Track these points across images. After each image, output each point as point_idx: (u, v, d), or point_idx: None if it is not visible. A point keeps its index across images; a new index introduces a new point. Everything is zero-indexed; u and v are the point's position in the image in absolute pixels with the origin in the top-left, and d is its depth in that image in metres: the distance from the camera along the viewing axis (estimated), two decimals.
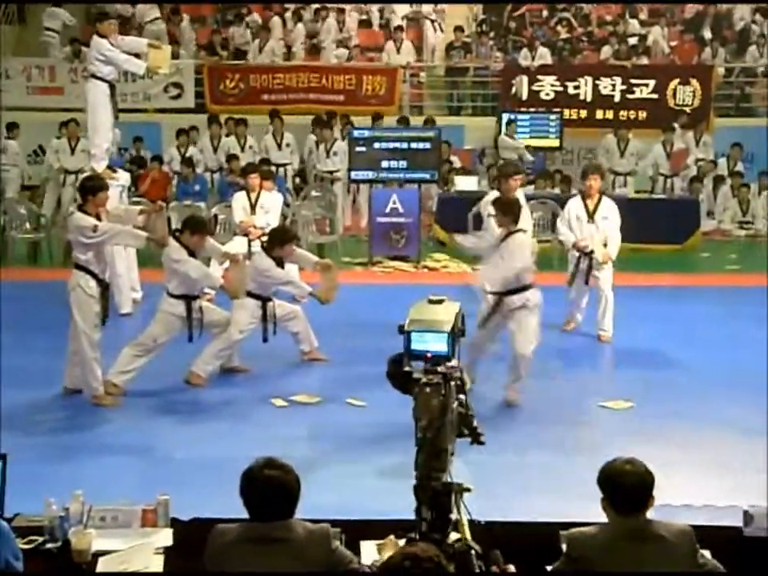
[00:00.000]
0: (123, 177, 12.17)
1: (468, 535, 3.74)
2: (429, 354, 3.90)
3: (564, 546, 4.20)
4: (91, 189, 8.79)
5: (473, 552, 3.62)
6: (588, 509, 4.55)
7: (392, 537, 4.37)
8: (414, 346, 3.89)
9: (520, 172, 11.07)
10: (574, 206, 11.04)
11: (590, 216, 10.92)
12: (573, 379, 9.77)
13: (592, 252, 10.82)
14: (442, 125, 17.61)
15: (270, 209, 13.04)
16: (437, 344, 3.90)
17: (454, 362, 3.92)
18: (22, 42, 22.02)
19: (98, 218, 8.70)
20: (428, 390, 3.82)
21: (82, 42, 18.53)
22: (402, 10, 22.30)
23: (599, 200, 10.97)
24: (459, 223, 15.81)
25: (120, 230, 8.76)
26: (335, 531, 4.22)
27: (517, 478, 7.17)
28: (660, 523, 4.10)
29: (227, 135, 18.28)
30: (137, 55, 11.73)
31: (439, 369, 3.88)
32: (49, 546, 4.88)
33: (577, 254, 10.94)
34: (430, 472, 3.85)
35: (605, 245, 10.79)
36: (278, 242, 9.73)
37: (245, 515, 4.06)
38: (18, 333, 10.72)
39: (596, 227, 10.88)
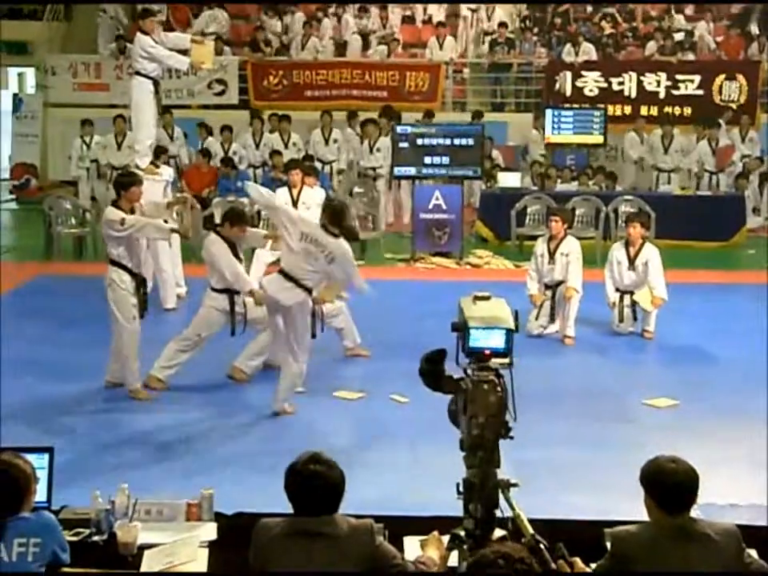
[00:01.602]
0: (167, 172, 12.24)
1: (530, 530, 3.71)
2: (487, 351, 3.86)
3: (608, 545, 4.18)
4: (123, 184, 8.86)
5: (542, 546, 3.59)
6: (630, 507, 4.53)
7: (435, 533, 4.37)
8: (473, 343, 3.85)
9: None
10: (617, 251, 11.22)
11: (631, 263, 11.02)
12: (616, 376, 9.74)
13: (632, 293, 11.01)
14: (485, 121, 17.58)
15: (311, 205, 13.07)
16: (496, 340, 3.86)
17: (507, 359, 3.89)
18: (69, 39, 22.23)
19: (132, 213, 8.76)
20: (485, 386, 3.78)
21: (127, 39, 18.67)
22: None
23: (641, 246, 11.06)
24: (502, 219, 15.86)
25: (145, 222, 8.78)
26: (378, 526, 4.22)
27: (558, 474, 7.13)
28: (705, 522, 4.07)
29: (270, 132, 18.32)
30: (181, 51, 11.80)
31: (491, 365, 3.85)
32: (95, 538, 4.92)
33: (618, 294, 11.08)
34: (488, 469, 3.83)
35: (651, 289, 10.90)
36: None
37: (288, 509, 4.07)
38: (63, 326, 10.85)
39: (635, 274, 11.01)
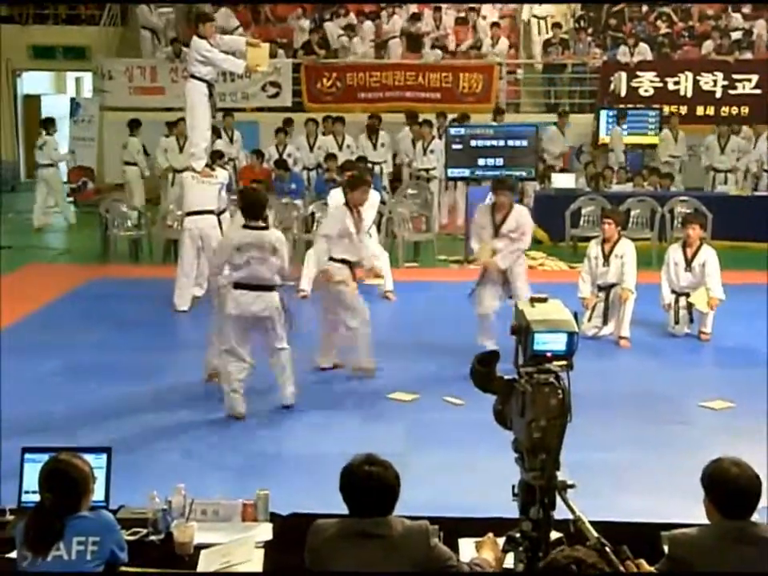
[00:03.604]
0: (222, 175, 12.32)
1: (594, 533, 3.69)
2: (549, 354, 3.85)
3: (666, 548, 4.14)
4: None
5: (607, 549, 3.57)
6: (687, 509, 4.49)
7: (490, 534, 4.36)
8: (537, 346, 3.84)
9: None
10: (673, 253, 11.13)
11: (688, 264, 10.93)
12: (671, 378, 9.66)
13: (688, 295, 10.93)
14: (539, 122, 17.50)
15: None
16: (559, 343, 3.85)
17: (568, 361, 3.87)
18: (125, 44, 22.46)
19: None
20: (546, 389, 3.77)
21: (183, 42, 18.82)
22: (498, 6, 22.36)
23: (699, 248, 10.99)
24: (556, 221, 15.79)
25: None
26: (433, 528, 4.21)
27: (613, 476, 7.09)
28: (765, 525, 4.03)
29: (324, 134, 18.36)
30: (235, 54, 11.86)
31: (551, 367, 3.83)
32: (152, 537, 4.96)
33: (673, 296, 11.01)
34: (552, 472, 3.81)
35: (707, 290, 10.81)
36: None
37: (343, 510, 4.09)
38: (120, 329, 10.96)
39: (692, 275, 10.92)
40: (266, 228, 8.32)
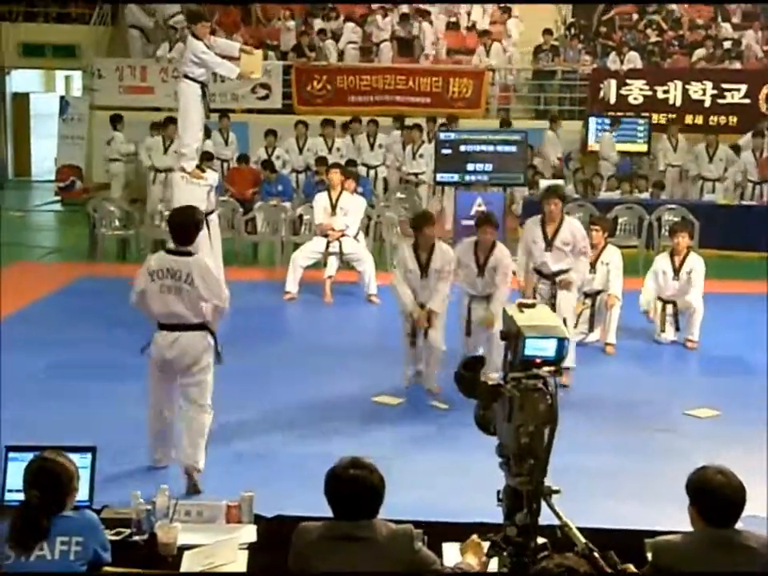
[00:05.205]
0: (212, 176, 12.27)
1: (582, 539, 3.69)
2: (538, 360, 3.86)
3: (649, 555, 4.15)
4: None
5: (596, 555, 3.57)
6: (670, 516, 4.50)
7: (474, 537, 4.36)
8: (528, 351, 3.84)
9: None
10: (661, 261, 11.21)
11: (676, 272, 11.03)
12: (657, 385, 9.68)
13: (674, 303, 11.01)
14: (528, 128, 17.50)
15: (349, 211, 13.10)
16: (549, 349, 3.85)
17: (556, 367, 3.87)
18: (115, 43, 22.43)
19: None
20: (535, 395, 3.77)
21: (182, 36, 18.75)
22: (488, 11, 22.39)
23: (686, 256, 11.08)
24: None
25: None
26: (418, 532, 4.22)
27: (597, 482, 7.10)
28: (749, 533, 4.04)
29: (320, 135, 18.31)
30: (230, 58, 11.80)
31: (540, 373, 3.84)
32: (136, 538, 4.96)
33: (660, 303, 11.09)
34: (540, 478, 3.81)
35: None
36: None
37: (328, 513, 4.08)
38: (107, 328, 10.92)
39: (680, 283, 11.01)
40: (188, 254, 7.02)
